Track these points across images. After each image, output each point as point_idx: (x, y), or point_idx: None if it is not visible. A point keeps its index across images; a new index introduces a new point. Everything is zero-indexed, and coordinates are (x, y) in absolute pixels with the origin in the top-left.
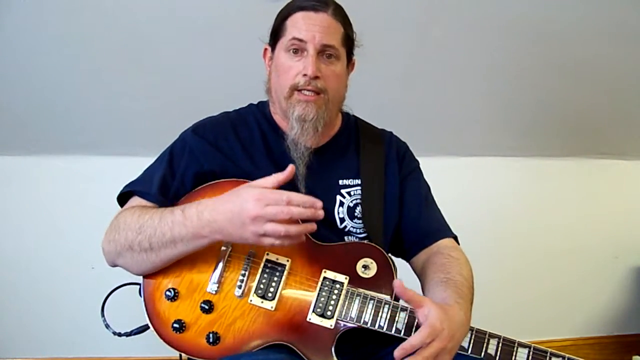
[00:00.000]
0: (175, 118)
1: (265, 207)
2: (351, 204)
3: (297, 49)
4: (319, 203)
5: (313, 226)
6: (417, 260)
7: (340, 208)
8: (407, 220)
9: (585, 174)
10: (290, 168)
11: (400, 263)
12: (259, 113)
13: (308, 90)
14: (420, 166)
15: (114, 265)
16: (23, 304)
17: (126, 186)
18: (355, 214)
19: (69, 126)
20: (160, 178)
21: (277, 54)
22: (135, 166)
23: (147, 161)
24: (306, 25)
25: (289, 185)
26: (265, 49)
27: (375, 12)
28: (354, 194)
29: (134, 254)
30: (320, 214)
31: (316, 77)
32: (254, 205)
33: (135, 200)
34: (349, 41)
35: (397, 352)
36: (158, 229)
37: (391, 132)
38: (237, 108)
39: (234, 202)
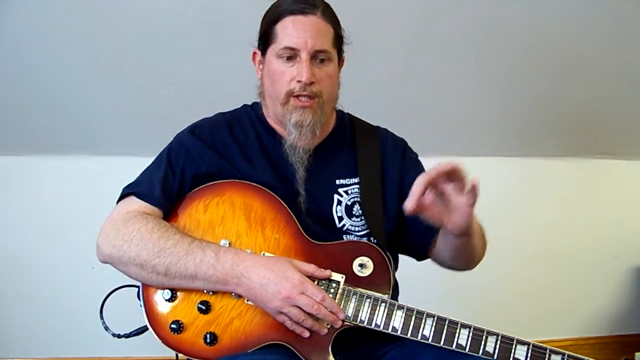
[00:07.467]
0: (175, 118)
1: (300, 294)
2: (349, 202)
3: (290, 56)
4: (342, 315)
5: (325, 329)
6: (432, 249)
7: (338, 207)
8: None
9: (585, 174)
10: (329, 273)
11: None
12: (252, 114)
13: (303, 95)
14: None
15: (106, 263)
16: (23, 303)
17: (126, 188)
18: (354, 212)
19: (70, 126)
20: (161, 180)
21: (268, 59)
22: (136, 166)
23: (148, 161)
24: (297, 32)
25: (289, 189)
26: (255, 53)
27: (372, 13)
28: (351, 192)
29: (142, 271)
30: (339, 323)
31: (311, 83)
32: (292, 287)
33: (136, 203)
34: (339, 40)
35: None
36: (182, 261)
37: (386, 129)
38: (232, 109)
39: (274, 273)
